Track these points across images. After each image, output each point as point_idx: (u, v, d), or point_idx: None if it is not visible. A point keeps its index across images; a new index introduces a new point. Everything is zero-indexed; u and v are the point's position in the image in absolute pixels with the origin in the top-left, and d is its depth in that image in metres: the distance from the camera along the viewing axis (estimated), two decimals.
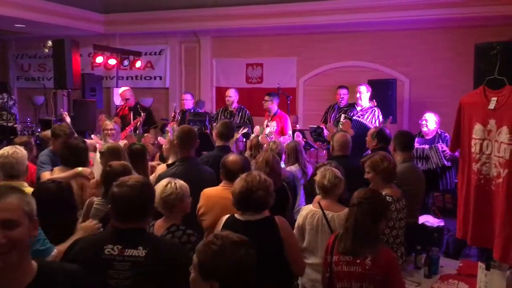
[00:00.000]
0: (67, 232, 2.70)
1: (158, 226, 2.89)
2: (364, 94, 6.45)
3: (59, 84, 7.16)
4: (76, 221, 2.89)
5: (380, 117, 6.24)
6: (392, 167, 3.57)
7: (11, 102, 8.74)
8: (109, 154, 3.94)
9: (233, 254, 1.78)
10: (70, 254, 2.19)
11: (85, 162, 4.28)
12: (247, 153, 4.97)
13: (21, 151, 3.41)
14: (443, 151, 5.47)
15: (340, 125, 6.17)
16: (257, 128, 5.45)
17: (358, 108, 6.45)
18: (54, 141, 4.60)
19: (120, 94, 7.49)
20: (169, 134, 4.88)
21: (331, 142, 4.59)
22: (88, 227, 2.73)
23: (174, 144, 4.22)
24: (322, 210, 3.23)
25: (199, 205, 3.43)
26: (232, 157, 3.59)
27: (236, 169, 3.40)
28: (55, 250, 2.58)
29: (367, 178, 3.65)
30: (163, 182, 2.91)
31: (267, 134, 5.04)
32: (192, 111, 7.46)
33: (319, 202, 3.32)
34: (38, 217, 2.44)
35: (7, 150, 3.41)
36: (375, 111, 6.32)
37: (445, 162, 5.46)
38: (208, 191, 3.48)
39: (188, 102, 7.63)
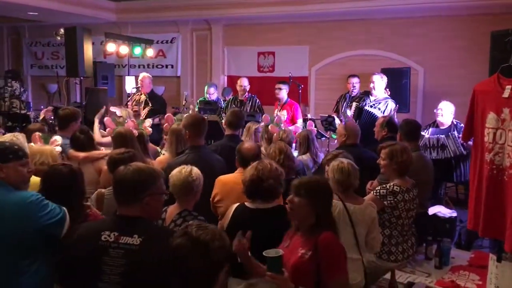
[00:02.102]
0: (74, 217, 2.68)
1: (170, 212, 2.91)
2: (378, 84, 6.26)
3: (71, 72, 7.17)
4: (83, 207, 2.87)
5: (392, 109, 6.11)
6: (410, 162, 3.52)
7: (21, 90, 8.80)
8: (118, 139, 3.95)
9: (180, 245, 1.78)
10: (71, 239, 2.21)
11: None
12: (263, 146, 4.91)
13: (18, 139, 3.42)
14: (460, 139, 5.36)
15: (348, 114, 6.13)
16: (267, 117, 5.39)
17: (372, 98, 6.30)
18: (74, 124, 4.63)
19: (140, 79, 7.49)
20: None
21: (345, 131, 4.53)
22: None
23: (174, 133, 4.23)
24: (343, 202, 3.12)
25: (214, 192, 3.44)
26: (247, 144, 3.64)
27: (250, 156, 3.41)
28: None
29: (379, 163, 3.60)
30: (187, 168, 2.93)
31: (276, 124, 5.00)
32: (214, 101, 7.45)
33: (337, 194, 3.25)
34: (48, 199, 2.49)
35: (5, 138, 3.43)
36: (388, 103, 6.18)
37: (463, 150, 5.32)
38: (223, 178, 3.49)
39: (212, 96, 7.65)
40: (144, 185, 2.19)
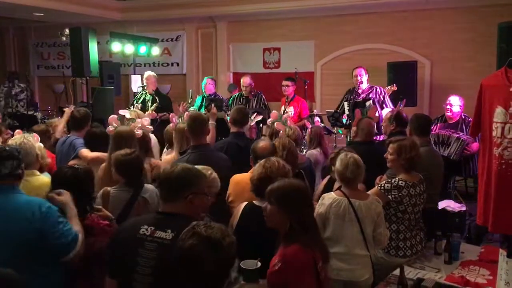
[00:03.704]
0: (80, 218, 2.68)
1: None
2: (364, 77, 6.37)
3: (77, 72, 7.19)
4: (86, 210, 2.86)
5: (383, 91, 6.15)
6: (418, 158, 3.49)
7: (18, 90, 8.83)
8: (117, 139, 3.91)
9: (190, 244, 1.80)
10: (116, 232, 2.33)
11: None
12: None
13: (29, 141, 3.41)
14: (465, 148, 5.30)
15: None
16: (275, 113, 5.36)
17: (360, 91, 6.37)
18: (88, 126, 4.67)
19: (145, 78, 7.49)
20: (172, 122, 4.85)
21: (356, 127, 4.52)
22: None
23: (179, 133, 4.20)
24: (348, 198, 3.10)
25: (228, 192, 3.43)
26: (262, 143, 3.61)
27: (264, 155, 3.36)
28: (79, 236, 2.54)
29: (386, 158, 3.58)
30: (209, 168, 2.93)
31: (283, 122, 4.97)
32: (213, 96, 7.39)
33: (342, 190, 3.23)
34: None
35: (16, 140, 3.42)
36: (376, 88, 6.23)
37: (456, 158, 5.31)
38: (236, 178, 3.46)
39: (209, 86, 7.52)
40: (188, 184, 2.28)
